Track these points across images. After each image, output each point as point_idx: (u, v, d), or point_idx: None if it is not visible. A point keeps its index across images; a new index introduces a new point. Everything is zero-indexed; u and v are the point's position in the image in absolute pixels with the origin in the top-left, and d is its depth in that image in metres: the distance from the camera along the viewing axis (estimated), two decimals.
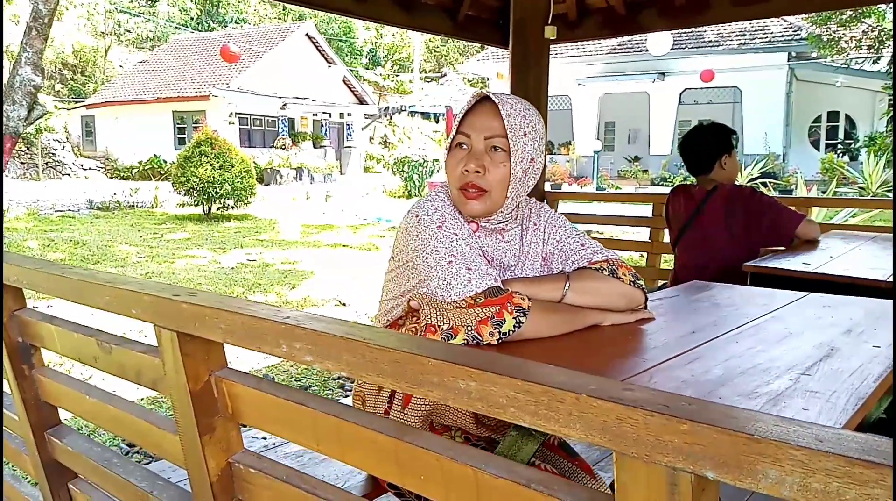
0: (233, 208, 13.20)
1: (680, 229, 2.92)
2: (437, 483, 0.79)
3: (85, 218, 12.78)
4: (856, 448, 0.49)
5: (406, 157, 20.11)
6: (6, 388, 1.63)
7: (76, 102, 27.89)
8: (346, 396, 3.62)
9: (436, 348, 0.77)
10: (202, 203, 12.89)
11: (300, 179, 22.48)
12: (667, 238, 3.99)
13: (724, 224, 2.70)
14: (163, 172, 20.88)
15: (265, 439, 2.89)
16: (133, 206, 14.87)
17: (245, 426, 1.05)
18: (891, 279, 1.99)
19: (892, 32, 14.98)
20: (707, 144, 2.80)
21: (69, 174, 21.71)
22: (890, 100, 17.33)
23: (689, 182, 3.11)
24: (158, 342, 1.06)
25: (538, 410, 0.63)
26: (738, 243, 2.65)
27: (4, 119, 8.02)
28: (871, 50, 15.98)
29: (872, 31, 15.28)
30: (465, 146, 1.38)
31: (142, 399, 3.53)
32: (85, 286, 1.18)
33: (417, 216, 1.35)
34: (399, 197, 19.31)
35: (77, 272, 1.23)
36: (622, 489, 0.60)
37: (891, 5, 14.21)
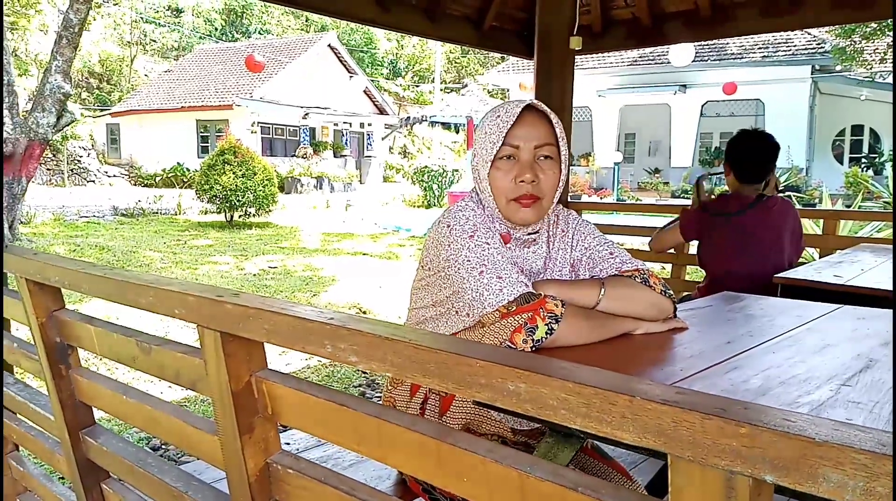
0: (254, 215, 13.32)
1: (718, 240, 2.78)
2: (481, 485, 0.79)
3: (109, 224, 12.96)
4: None
5: (426, 167, 20.15)
6: (35, 388, 1.66)
7: (102, 110, 28.35)
8: None
9: (483, 349, 0.77)
10: (225, 211, 13.02)
11: (320, 188, 22.64)
12: (692, 250, 3.96)
13: (778, 234, 2.63)
14: (186, 179, 21.14)
15: (288, 445, 2.90)
16: (157, 213, 15.05)
17: (285, 428, 1.06)
18: None
19: None
20: (766, 152, 2.66)
21: (94, 181, 22.05)
22: None
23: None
24: (201, 342, 1.07)
25: (590, 412, 0.63)
26: (782, 255, 2.59)
27: (35, 126, 8.17)
28: None
29: None
30: (512, 158, 1.38)
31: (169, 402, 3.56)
32: (128, 287, 1.20)
33: (449, 226, 1.35)
34: (418, 207, 19.36)
35: (120, 273, 1.26)
36: (676, 492, 0.60)
37: None
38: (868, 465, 0.49)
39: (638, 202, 16.92)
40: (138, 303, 1.19)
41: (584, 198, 19.04)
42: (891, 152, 16.36)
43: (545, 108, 1.39)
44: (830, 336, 1.41)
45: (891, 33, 14.68)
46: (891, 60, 15.42)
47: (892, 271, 2.16)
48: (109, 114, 26.57)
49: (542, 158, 1.38)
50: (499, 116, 1.39)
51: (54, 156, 21.07)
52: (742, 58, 19.35)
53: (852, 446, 0.50)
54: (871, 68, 16.13)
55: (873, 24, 14.00)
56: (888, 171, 14.97)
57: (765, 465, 0.53)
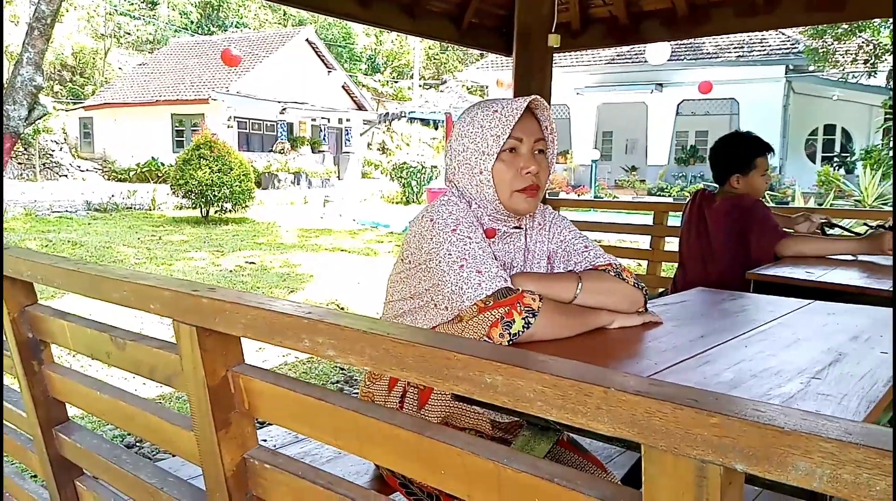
0: (231, 211, 13.19)
1: (686, 232, 2.92)
2: (459, 478, 0.80)
3: (82, 219, 12.76)
4: (885, 441, 0.50)
5: (405, 163, 20.11)
6: (6, 384, 1.63)
7: (75, 103, 27.87)
8: None
9: (460, 342, 0.78)
10: (200, 206, 12.88)
11: (298, 184, 22.48)
12: (667, 247, 4.01)
13: (725, 235, 2.71)
14: (161, 174, 20.87)
15: (266, 441, 2.89)
16: (131, 208, 14.85)
17: (263, 424, 1.05)
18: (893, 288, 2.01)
19: (887, 47, 15.10)
20: (727, 156, 2.76)
21: (66, 176, 21.68)
22: (887, 114, 17.45)
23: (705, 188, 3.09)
24: (177, 337, 1.06)
25: (566, 403, 0.64)
26: (736, 255, 2.66)
27: (5, 119, 8.01)
28: (867, 64, 16.12)
29: (868, 46, 15.42)
30: (514, 151, 1.42)
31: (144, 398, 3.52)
32: (102, 281, 1.18)
33: (432, 220, 1.36)
34: (397, 203, 19.33)
35: (93, 267, 1.24)
36: (650, 481, 0.61)
37: (886, 20, 14.34)
38: (835, 453, 0.51)
39: (615, 200, 17.06)
40: (112, 297, 1.17)
41: (563, 195, 19.12)
42: (862, 151, 16.66)
43: (543, 102, 1.43)
44: (801, 331, 1.43)
45: (862, 35, 14.95)
46: (861, 61, 15.72)
47: (893, 273, 2.21)
48: (82, 107, 26.12)
49: (537, 152, 1.44)
50: (496, 110, 1.40)
51: (26, 150, 20.66)
52: (717, 57, 19.58)
53: (820, 435, 0.51)
54: (843, 69, 16.43)
55: (844, 26, 14.26)
56: (859, 170, 15.24)
57: (735, 454, 0.54)
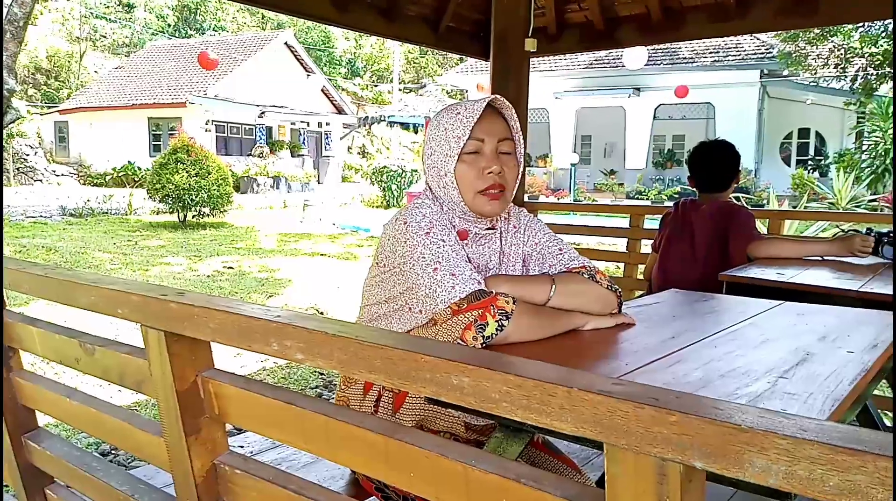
0: (209, 215, 13.08)
1: (669, 238, 2.95)
2: (427, 480, 0.80)
3: (57, 225, 12.57)
4: (839, 437, 0.51)
5: (385, 167, 20.09)
6: None
7: (49, 107, 27.48)
8: None
9: (429, 345, 0.78)
10: (177, 211, 12.75)
11: (277, 188, 22.35)
12: (644, 249, 4.04)
13: (710, 238, 2.74)
14: (137, 178, 20.64)
15: (241, 448, 2.86)
16: (106, 213, 14.66)
17: (239, 431, 1.05)
18: (861, 289, 2.05)
19: (857, 51, 15.41)
20: (725, 161, 2.82)
21: (41, 180, 21.35)
22: (859, 117, 17.78)
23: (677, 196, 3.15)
24: (145, 343, 1.05)
25: (530, 404, 0.65)
26: (718, 257, 2.69)
27: None
28: (838, 68, 16.43)
29: (839, 50, 15.73)
30: (477, 152, 1.42)
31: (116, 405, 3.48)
32: (71, 286, 1.17)
33: (406, 223, 1.36)
34: (377, 207, 19.29)
35: (62, 272, 1.23)
36: (612, 479, 0.61)
37: (856, 25, 14.62)
38: (790, 450, 0.52)
39: (594, 203, 17.18)
40: (82, 303, 1.16)
41: (542, 198, 19.24)
42: (835, 155, 16.96)
43: (505, 102, 1.43)
44: (770, 331, 1.46)
45: (833, 39, 15.23)
46: (832, 65, 16.02)
47: (893, 277, 2.24)
48: (58, 111, 25.76)
49: (502, 152, 1.43)
50: (458, 112, 1.41)
51: None
52: (693, 62, 19.80)
53: (775, 432, 0.52)
54: (814, 73, 16.72)
55: (816, 30, 14.52)
56: (833, 173, 15.52)
57: (694, 452, 0.55)
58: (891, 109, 14.92)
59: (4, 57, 7.94)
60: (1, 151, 7.00)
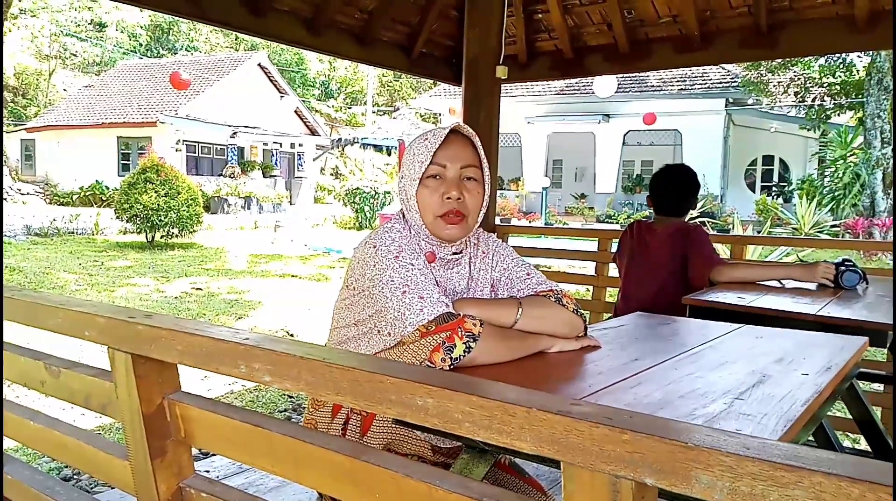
0: (177, 236, 12.94)
1: (629, 261, 3.02)
2: (394, 500, 0.81)
3: (21, 244, 12.32)
4: (779, 455, 0.54)
5: (357, 188, 20.10)
6: None
7: (16, 125, 27.04)
8: None
9: (394, 367, 0.80)
10: (145, 231, 12.60)
11: (248, 209, 22.20)
12: (612, 272, 4.11)
13: (668, 258, 2.82)
14: (105, 198, 20.35)
15: (208, 472, 2.82)
16: (73, 233, 14.41)
17: (207, 455, 1.05)
18: (818, 313, 2.11)
19: (816, 80, 15.92)
20: (685, 188, 2.91)
21: (6, 199, 20.93)
22: (821, 145, 18.34)
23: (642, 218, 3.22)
24: (112, 365, 1.05)
25: (492, 424, 0.67)
26: (678, 279, 2.76)
27: None
28: (798, 96, 17.01)
29: (798, 79, 16.30)
30: (439, 177, 1.44)
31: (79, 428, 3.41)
32: (36, 308, 1.17)
33: (375, 247, 1.39)
34: (350, 228, 19.26)
35: (27, 294, 1.22)
36: (569, 496, 0.64)
37: (816, 57, 15.13)
38: (733, 466, 0.55)
39: (565, 226, 17.36)
40: (48, 325, 1.16)
41: (514, 221, 19.40)
42: (798, 181, 17.43)
43: (470, 131, 1.46)
44: (729, 354, 1.50)
45: (794, 68, 15.73)
46: (793, 93, 16.56)
47: (893, 284, 2.30)
48: (24, 129, 25.36)
49: (466, 179, 1.45)
50: (426, 138, 1.45)
51: None
52: (661, 90, 20.27)
53: (719, 449, 0.55)
54: (774, 100, 17.28)
55: (779, 60, 15.05)
56: (796, 199, 15.92)
57: (645, 469, 0.58)
58: (849, 137, 15.41)
59: None
60: (1, 153, 6.87)
